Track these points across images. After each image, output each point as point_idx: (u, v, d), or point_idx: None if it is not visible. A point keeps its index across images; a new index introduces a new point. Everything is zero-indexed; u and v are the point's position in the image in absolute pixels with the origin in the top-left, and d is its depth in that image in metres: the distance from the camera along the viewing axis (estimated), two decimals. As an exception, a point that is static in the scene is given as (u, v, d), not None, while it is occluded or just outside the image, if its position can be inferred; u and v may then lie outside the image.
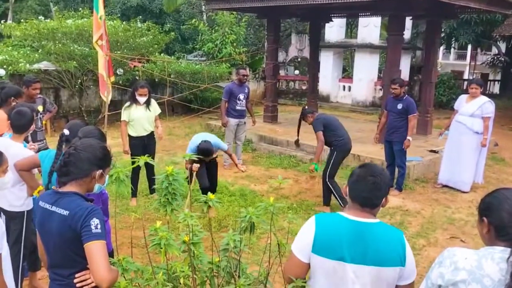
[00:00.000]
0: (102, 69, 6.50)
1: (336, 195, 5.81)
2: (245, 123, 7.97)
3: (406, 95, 6.56)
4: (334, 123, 5.98)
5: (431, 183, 7.18)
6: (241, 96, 7.69)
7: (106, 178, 2.30)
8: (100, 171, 2.22)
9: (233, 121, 7.74)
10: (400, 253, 1.90)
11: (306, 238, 1.98)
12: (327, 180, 5.85)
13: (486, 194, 1.83)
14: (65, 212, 2.06)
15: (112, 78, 6.99)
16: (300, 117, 6.26)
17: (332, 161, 5.86)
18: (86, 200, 2.14)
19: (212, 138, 5.71)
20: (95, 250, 2.00)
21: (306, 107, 6.54)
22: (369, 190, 1.95)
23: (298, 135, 6.57)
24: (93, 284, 2.09)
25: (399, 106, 6.43)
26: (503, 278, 1.58)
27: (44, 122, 5.66)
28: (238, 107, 7.71)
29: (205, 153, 5.38)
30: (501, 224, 1.69)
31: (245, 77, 7.81)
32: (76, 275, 2.11)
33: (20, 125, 3.56)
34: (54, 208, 2.10)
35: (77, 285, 2.10)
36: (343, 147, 5.88)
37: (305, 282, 2.03)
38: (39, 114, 5.36)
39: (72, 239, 2.06)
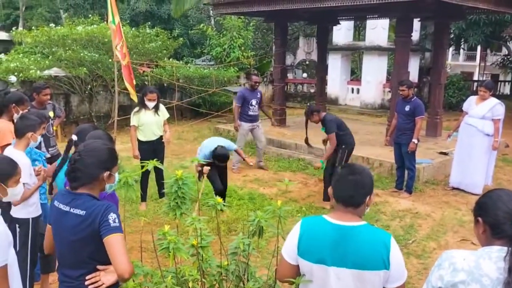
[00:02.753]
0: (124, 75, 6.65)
1: None
2: (259, 126, 8.10)
3: (415, 97, 6.54)
4: (343, 123, 6.25)
5: (441, 186, 7.13)
6: (254, 102, 7.88)
7: (115, 176, 2.34)
8: (108, 172, 2.25)
9: (246, 125, 7.91)
10: (383, 256, 1.88)
11: (292, 241, 2.03)
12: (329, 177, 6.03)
13: (480, 196, 1.85)
14: (82, 212, 2.11)
15: (134, 82, 7.15)
16: (306, 115, 6.31)
17: (344, 159, 6.10)
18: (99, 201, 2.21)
19: (224, 142, 5.91)
20: (115, 242, 2.05)
21: (311, 104, 6.63)
22: (351, 188, 1.98)
23: (306, 134, 6.65)
24: (104, 286, 2.12)
25: (407, 108, 6.41)
26: (501, 277, 1.61)
27: (54, 128, 5.69)
28: (250, 112, 7.90)
29: (222, 158, 5.63)
30: (495, 223, 1.71)
31: (256, 84, 8.00)
32: (87, 277, 2.14)
33: (18, 128, 3.51)
34: (68, 209, 2.14)
35: (89, 287, 2.13)
36: (352, 146, 6.24)
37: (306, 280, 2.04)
38: (50, 120, 5.39)
39: (88, 239, 2.10)
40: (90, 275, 2.14)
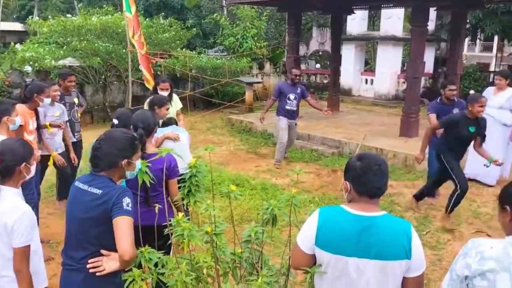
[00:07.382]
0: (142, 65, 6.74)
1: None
2: (296, 124, 7.72)
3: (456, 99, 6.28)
4: None
5: (456, 177, 7.03)
6: (292, 96, 7.37)
7: (136, 164, 2.38)
8: (126, 160, 2.31)
9: (284, 120, 7.45)
10: (405, 245, 1.87)
11: (309, 231, 1.98)
12: None
13: (507, 184, 1.84)
14: (98, 191, 2.19)
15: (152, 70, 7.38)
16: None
17: None
18: None
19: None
20: (123, 224, 2.12)
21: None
22: (379, 179, 1.94)
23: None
24: (105, 272, 2.16)
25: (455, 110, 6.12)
26: None
27: (79, 115, 5.86)
28: (287, 107, 7.40)
29: None
30: None
31: (297, 77, 7.51)
32: (90, 261, 2.19)
33: None
34: (86, 187, 2.23)
35: (90, 270, 2.17)
36: None
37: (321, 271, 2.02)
38: (75, 106, 5.69)
39: (98, 219, 2.16)
40: (93, 259, 2.19)
